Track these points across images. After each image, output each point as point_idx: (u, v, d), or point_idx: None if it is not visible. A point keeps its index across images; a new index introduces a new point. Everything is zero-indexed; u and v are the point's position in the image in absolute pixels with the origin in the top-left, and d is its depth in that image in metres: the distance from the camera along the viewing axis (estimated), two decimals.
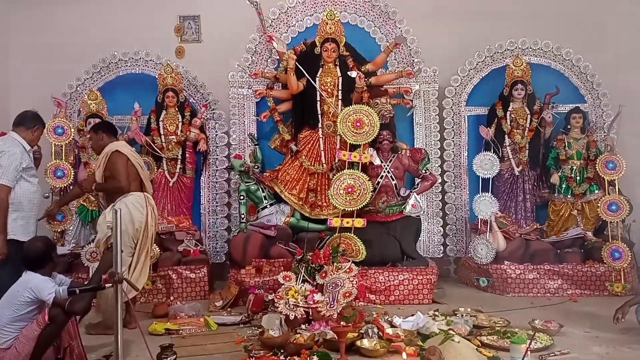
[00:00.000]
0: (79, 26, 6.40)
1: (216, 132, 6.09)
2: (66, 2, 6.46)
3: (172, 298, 5.14)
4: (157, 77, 5.87)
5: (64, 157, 5.49)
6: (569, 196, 5.66)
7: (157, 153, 5.74)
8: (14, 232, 4.04)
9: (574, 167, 5.65)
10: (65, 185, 5.48)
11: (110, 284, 2.94)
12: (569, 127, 5.72)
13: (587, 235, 5.57)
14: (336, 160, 5.43)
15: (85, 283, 3.93)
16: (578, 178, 5.65)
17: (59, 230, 5.53)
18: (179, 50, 6.53)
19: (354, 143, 5.14)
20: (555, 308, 4.76)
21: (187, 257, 5.41)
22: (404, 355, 3.55)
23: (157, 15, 6.47)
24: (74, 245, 5.49)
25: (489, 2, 6.40)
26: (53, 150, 5.48)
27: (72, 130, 5.54)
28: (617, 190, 5.38)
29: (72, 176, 5.45)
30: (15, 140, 4.17)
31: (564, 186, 5.67)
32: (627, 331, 3.94)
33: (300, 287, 4.23)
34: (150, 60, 6.06)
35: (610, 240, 5.25)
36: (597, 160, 5.43)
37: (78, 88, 6.03)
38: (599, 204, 5.37)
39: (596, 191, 5.58)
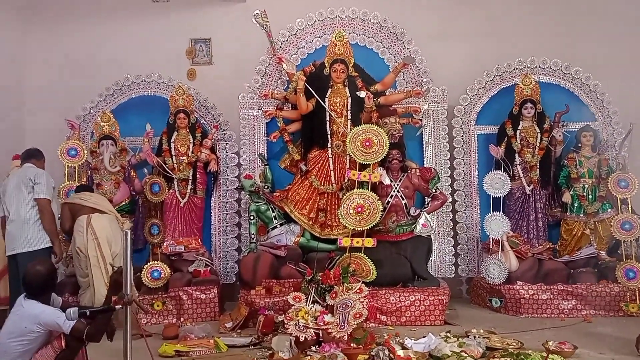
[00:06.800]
0: (92, 49, 6.57)
1: (227, 152, 6.14)
2: (79, 26, 6.63)
3: (182, 319, 5.13)
4: (169, 99, 5.97)
5: (76, 179, 5.55)
6: (581, 215, 5.61)
7: (168, 174, 5.79)
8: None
9: (586, 186, 5.60)
10: None
11: (120, 306, 2.96)
12: (579, 145, 5.69)
13: (601, 254, 5.51)
14: (346, 180, 5.44)
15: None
16: (590, 196, 5.59)
17: None
18: (190, 72, 6.64)
19: (363, 162, 5.15)
20: (569, 329, 4.68)
21: (197, 277, 5.42)
22: None
23: (169, 38, 6.61)
24: None
25: (497, 21, 6.46)
26: (66, 172, 5.55)
27: (85, 152, 5.62)
28: (630, 208, 5.32)
29: None
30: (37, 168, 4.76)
31: (576, 205, 5.62)
32: None
33: (311, 308, 4.21)
34: (162, 82, 6.18)
35: (624, 259, 5.17)
36: (609, 178, 5.37)
37: (91, 110, 6.14)
38: (612, 223, 5.30)
39: (609, 210, 5.52)
